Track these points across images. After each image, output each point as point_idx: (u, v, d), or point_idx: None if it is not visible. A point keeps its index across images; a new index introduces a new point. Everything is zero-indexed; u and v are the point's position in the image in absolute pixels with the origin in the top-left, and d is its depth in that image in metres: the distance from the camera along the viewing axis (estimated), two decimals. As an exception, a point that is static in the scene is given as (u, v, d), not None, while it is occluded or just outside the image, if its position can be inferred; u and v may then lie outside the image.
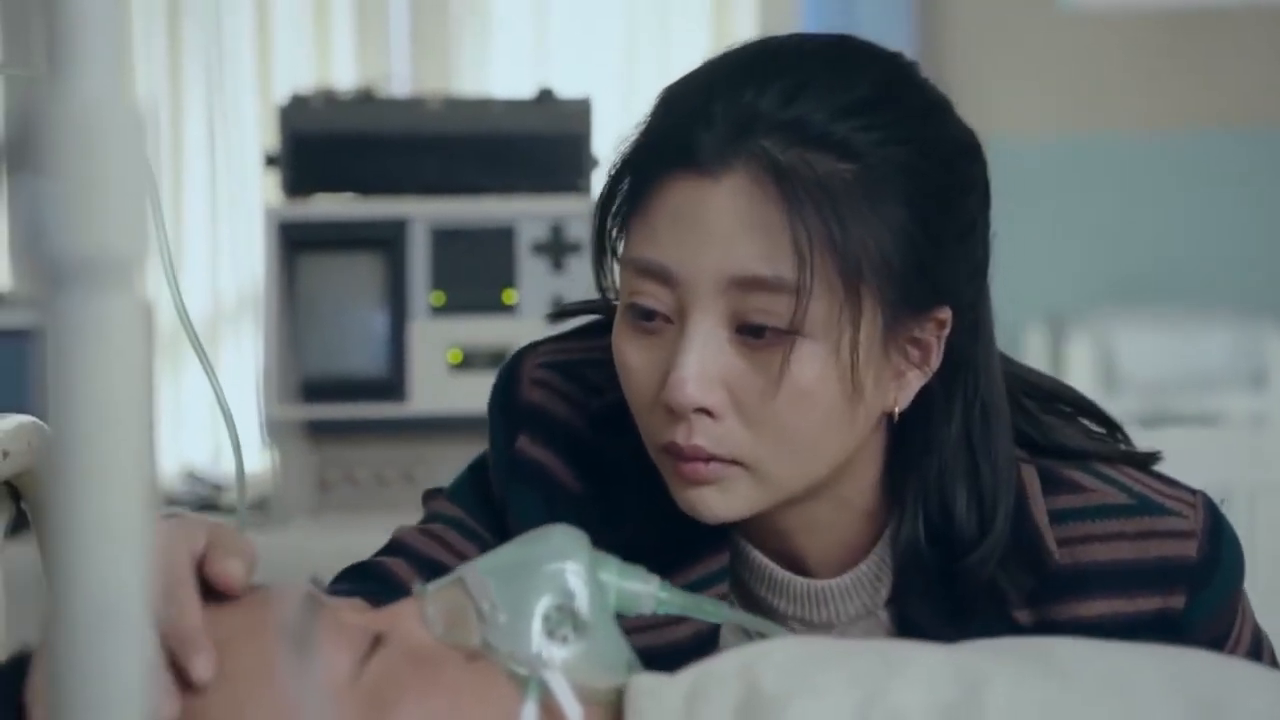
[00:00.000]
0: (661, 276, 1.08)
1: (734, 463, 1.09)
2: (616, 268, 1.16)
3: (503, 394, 1.28)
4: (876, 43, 1.15)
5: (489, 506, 1.26)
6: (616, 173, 1.14)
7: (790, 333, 1.05)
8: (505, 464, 1.26)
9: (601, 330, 1.29)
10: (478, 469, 1.31)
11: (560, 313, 1.32)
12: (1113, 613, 1.14)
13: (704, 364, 1.07)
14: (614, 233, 1.15)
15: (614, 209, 1.14)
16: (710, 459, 1.09)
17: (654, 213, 1.09)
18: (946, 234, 1.10)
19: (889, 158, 1.06)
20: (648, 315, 1.10)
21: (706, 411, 1.08)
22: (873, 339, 1.07)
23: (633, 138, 1.13)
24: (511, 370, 1.29)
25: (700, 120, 1.07)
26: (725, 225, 1.06)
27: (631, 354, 1.12)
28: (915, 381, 1.12)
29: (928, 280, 1.09)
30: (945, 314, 1.11)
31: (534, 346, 1.30)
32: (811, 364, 1.06)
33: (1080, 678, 0.91)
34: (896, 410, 1.12)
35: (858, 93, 1.07)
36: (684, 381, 1.06)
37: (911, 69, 1.14)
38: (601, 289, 1.18)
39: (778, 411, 1.07)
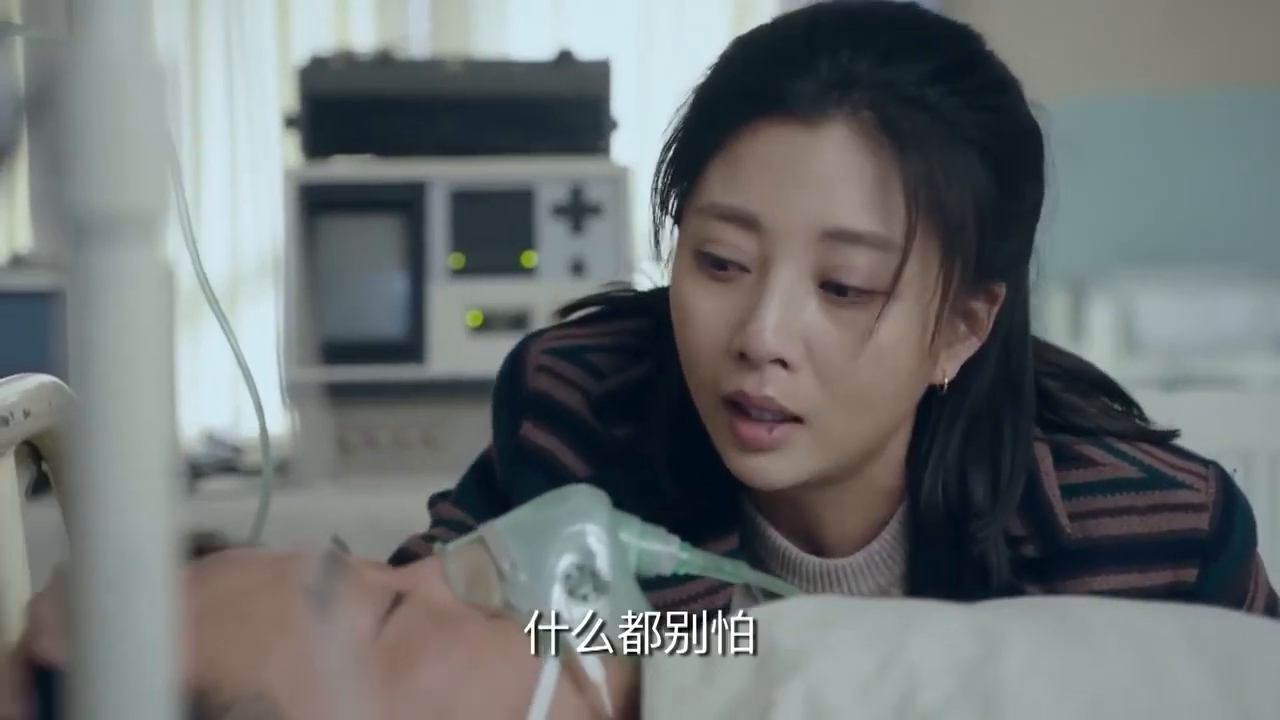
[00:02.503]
0: (747, 223, 1.06)
1: (796, 420, 1.08)
2: (667, 220, 1.15)
3: (507, 382, 1.28)
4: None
5: (493, 502, 1.25)
6: (688, 118, 1.12)
7: (879, 292, 1.05)
8: (510, 451, 1.26)
9: (607, 317, 1.28)
10: (479, 467, 1.31)
11: (569, 308, 1.31)
12: (1125, 587, 1.14)
13: (787, 315, 1.05)
14: (670, 183, 1.13)
15: (681, 153, 1.12)
16: (776, 416, 1.08)
17: (742, 158, 1.06)
18: (1021, 204, 1.10)
19: (975, 122, 1.06)
20: (721, 263, 1.08)
21: (782, 363, 1.06)
22: (947, 304, 1.07)
23: (706, 83, 1.11)
24: (516, 358, 1.28)
25: (798, 68, 1.05)
26: (825, 175, 1.04)
27: (699, 299, 1.09)
28: (964, 353, 1.12)
29: (997, 251, 1.09)
30: (1001, 289, 1.11)
31: (539, 334, 1.29)
32: (897, 325, 1.06)
33: (1100, 635, 0.91)
34: (945, 382, 1.12)
35: (942, 60, 1.07)
36: (764, 330, 1.05)
37: (983, 43, 1.13)
38: (656, 240, 1.16)
39: (857, 371, 1.06)
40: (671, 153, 1.13)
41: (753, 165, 1.06)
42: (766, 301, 1.05)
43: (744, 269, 1.07)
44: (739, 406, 1.08)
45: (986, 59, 1.11)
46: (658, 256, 1.18)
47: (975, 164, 1.06)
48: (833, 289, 1.05)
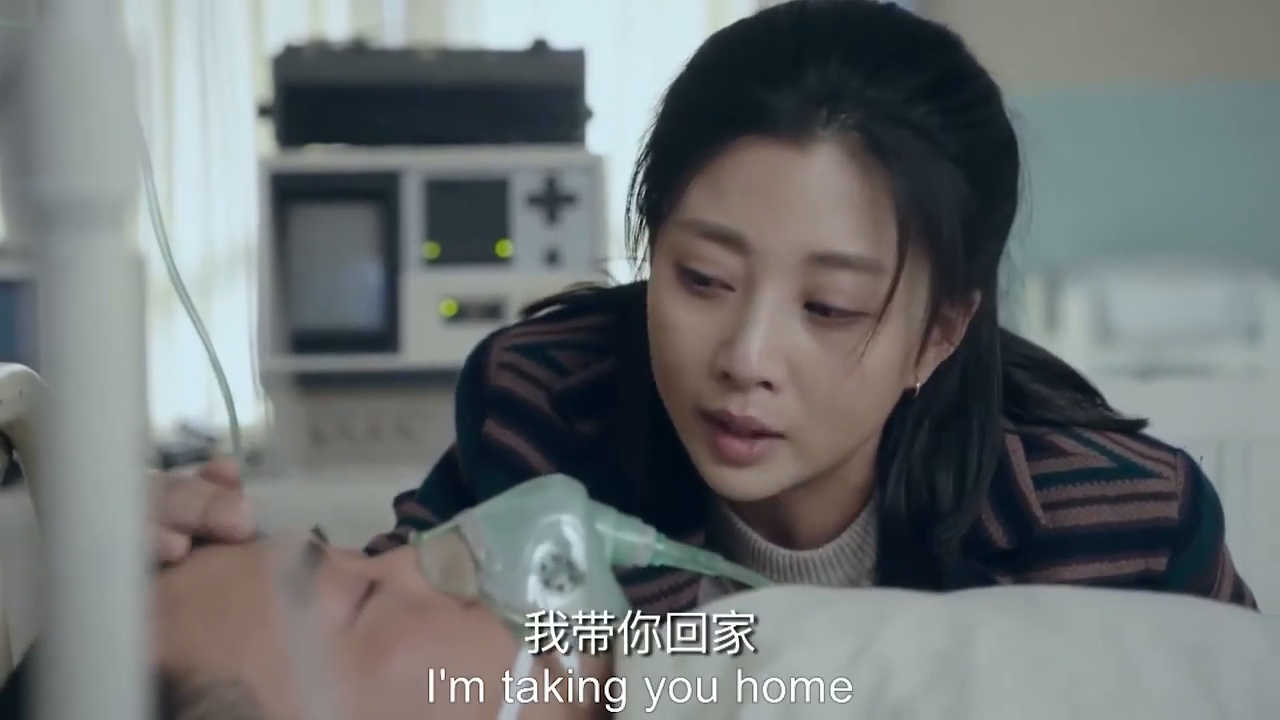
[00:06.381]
0: (733, 242, 1.04)
1: (778, 436, 1.07)
2: (637, 220, 1.13)
3: (470, 379, 1.27)
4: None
5: (457, 501, 1.24)
6: (666, 127, 1.09)
7: (865, 313, 1.04)
8: (473, 449, 1.25)
9: (570, 313, 1.28)
10: (444, 466, 1.31)
11: (533, 307, 1.30)
12: (1095, 576, 1.14)
13: (772, 338, 1.04)
14: (649, 189, 1.10)
15: (660, 162, 1.09)
16: (758, 434, 1.07)
17: (725, 175, 1.04)
18: (999, 217, 1.10)
19: (957, 140, 1.04)
20: (704, 279, 1.06)
21: (766, 384, 1.05)
22: (935, 323, 1.07)
23: (683, 89, 1.09)
24: (479, 355, 1.27)
25: (784, 83, 1.03)
26: (813, 198, 1.02)
27: (681, 316, 1.07)
28: (937, 358, 1.12)
29: (977, 263, 1.08)
30: (977, 296, 1.11)
31: (502, 331, 1.28)
32: (885, 345, 1.05)
33: (1071, 625, 0.92)
34: (917, 387, 1.12)
35: (928, 74, 1.05)
36: (749, 353, 1.03)
37: (965, 48, 1.11)
38: (631, 243, 1.14)
39: (843, 390, 1.06)
40: (649, 160, 1.11)
41: (737, 184, 1.03)
42: (752, 324, 1.04)
43: (727, 286, 1.06)
44: (719, 421, 1.08)
45: (970, 70, 1.10)
46: (634, 258, 1.16)
47: (960, 182, 1.04)
48: (818, 309, 1.04)
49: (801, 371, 1.05)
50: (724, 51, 1.09)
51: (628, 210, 1.13)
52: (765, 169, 1.03)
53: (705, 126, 1.05)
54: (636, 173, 1.12)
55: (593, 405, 1.21)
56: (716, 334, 1.06)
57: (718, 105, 1.05)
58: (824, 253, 1.03)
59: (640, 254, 1.14)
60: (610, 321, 1.24)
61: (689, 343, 1.07)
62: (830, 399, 1.06)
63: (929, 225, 1.03)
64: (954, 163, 1.04)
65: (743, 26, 1.10)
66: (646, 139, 1.11)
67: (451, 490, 1.28)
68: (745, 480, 1.09)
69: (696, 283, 1.06)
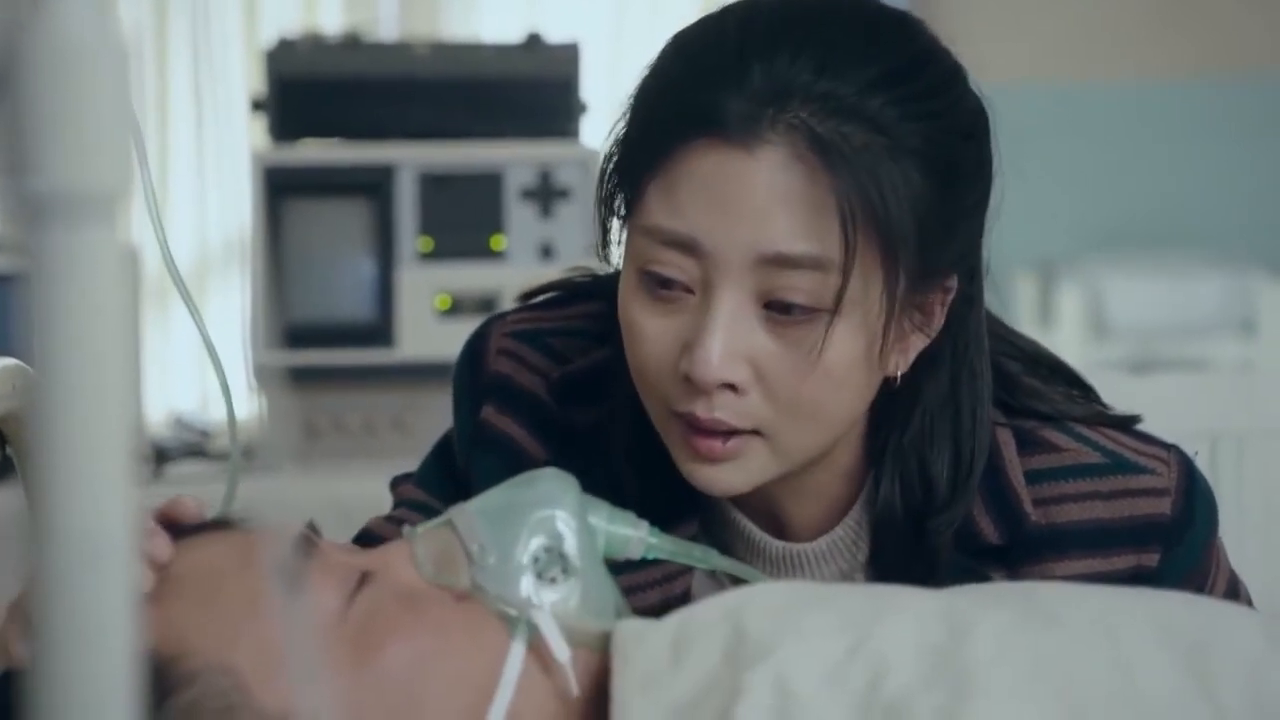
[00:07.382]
0: (687, 248, 1.05)
1: (752, 433, 1.08)
2: (616, 223, 1.13)
3: (468, 365, 1.27)
4: None
5: (454, 486, 1.25)
6: (629, 129, 1.10)
7: (823, 310, 1.04)
8: (470, 434, 1.25)
9: (568, 300, 1.28)
10: (441, 450, 1.31)
11: (530, 293, 1.30)
12: (1088, 572, 1.14)
13: (732, 341, 1.04)
14: (615, 190, 1.11)
15: (623, 165, 1.10)
16: (730, 433, 1.07)
17: (678, 181, 1.04)
18: (965, 204, 1.09)
19: (915, 131, 1.04)
20: (666, 283, 1.07)
21: (730, 386, 1.06)
22: (894, 316, 1.07)
23: (644, 91, 1.09)
24: (477, 341, 1.28)
25: (731, 85, 1.03)
26: (761, 200, 1.03)
27: (646, 321, 1.08)
28: (917, 346, 1.12)
29: (946, 250, 1.08)
30: (953, 281, 1.11)
31: (500, 317, 1.29)
32: (844, 341, 1.05)
33: (1068, 622, 0.92)
34: (899, 375, 1.12)
35: (884, 64, 1.05)
36: (709, 358, 1.04)
37: (926, 32, 1.11)
38: (603, 245, 1.15)
39: (808, 389, 1.06)
40: (613, 164, 1.11)
41: (689, 189, 1.04)
42: (710, 328, 1.04)
43: (688, 289, 1.06)
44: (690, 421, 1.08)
45: (930, 55, 1.09)
46: (605, 259, 1.17)
47: (915, 174, 1.04)
48: (777, 308, 1.05)
49: (764, 372, 1.06)
50: (679, 52, 1.09)
51: (597, 208, 1.13)
52: (715, 173, 1.03)
53: (660, 131, 1.06)
54: (604, 171, 1.12)
55: (590, 393, 1.21)
56: (680, 337, 1.07)
57: (671, 109, 1.06)
58: (772, 254, 1.03)
59: (611, 252, 1.15)
60: (606, 309, 1.24)
61: (653, 347, 1.08)
62: (796, 397, 1.06)
63: (878, 220, 1.03)
64: (910, 154, 1.04)
65: (698, 25, 1.11)
66: (612, 139, 1.12)
67: (448, 476, 1.28)
68: (721, 475, 1.09)
69: (659, 287, 1.07)
